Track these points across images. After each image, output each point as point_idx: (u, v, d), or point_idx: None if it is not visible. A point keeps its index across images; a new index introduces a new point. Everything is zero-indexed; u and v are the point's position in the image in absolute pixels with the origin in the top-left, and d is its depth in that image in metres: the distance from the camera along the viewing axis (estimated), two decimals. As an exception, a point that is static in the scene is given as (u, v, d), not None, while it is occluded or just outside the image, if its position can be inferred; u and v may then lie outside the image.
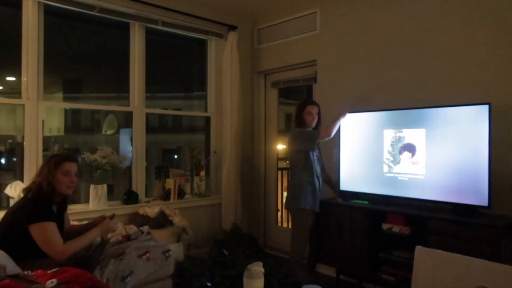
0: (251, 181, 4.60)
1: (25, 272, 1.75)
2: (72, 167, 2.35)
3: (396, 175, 3.08)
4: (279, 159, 4.72)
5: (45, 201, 2.25)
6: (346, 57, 3.68)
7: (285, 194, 4.88)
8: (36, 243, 2.14)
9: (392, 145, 3.10)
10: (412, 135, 2.98)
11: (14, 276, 1.68)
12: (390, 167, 3.11)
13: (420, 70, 3.16)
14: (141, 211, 3.51)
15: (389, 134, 3.12)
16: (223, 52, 4.23)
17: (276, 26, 4.33)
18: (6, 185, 2.98)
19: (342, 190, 3.40)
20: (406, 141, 3.01)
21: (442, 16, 3.05)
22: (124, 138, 3.89)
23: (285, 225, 4.69)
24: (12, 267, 1.83)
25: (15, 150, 3.30)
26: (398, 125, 3.06)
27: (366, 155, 3.27)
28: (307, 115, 3.25)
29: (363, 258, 3.04)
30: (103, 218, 2.55)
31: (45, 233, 2.14)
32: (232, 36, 4.21)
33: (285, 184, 4.86)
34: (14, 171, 3.24)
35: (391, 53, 3.35)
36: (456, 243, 2.47)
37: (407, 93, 3.23)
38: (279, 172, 4.71)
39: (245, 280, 1.62)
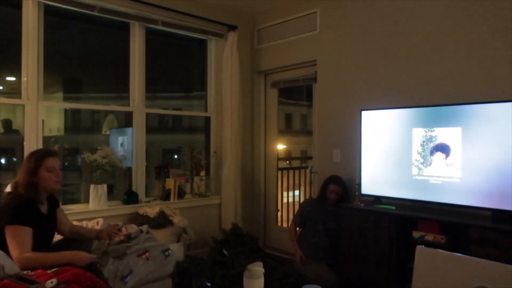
0: (251, 181, 4.60)
1: (25, 272, 1.75)
2: (55, 162, 2.26)
3: (427, 178, 2.86)
4: (279, 159, 4.72)
5: (28, 203, 2.14)
6: (346, 57, 3.67)
7: (285, 194, 4.89)
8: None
9: (422, 145, 2.89)
10: (446, 134, 2.77)
11: (14, 276, 1.68)
12: (420, 169, 2.90)
13: (422, 68, 3.14)
14: (141, 211, 3.51)
15: (418, 133, 2.91)
16: (223, 52, 4.23)
17: (276, 26, 4.33)
18: (6, 185, 2.98)
19: (363, 194, 3.24)
20: (439, 140, 2.80)
21: (453, 11, 3.04)
22: (115, 139, 3.90)
23: (285, 225, 4.68)
24: (10, 267, 1.82)
25: (15, 150, 3.30)
26: (429, 124, 2.85)
27: (392, 156, 3.07)
28: (329, 193, 3.39)
29: (390, 269, 2.84)
30: (113, 227, 2.50)
31: (16, 236, 2.02)
32: (232, 36, 4.21)
33: (285, 184, 4.86)
34: (14, 171, 3.24)
35: (392, 52, 3.34)
36: (503, 254, 2.27)
37: (411, 92, 3.22)
38: (279, 172, 4.71)
39: (245, 280, 1.62)
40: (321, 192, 3.47)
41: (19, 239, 2.02)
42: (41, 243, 2.13)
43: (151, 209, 3.48)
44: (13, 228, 2.04)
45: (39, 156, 2.23)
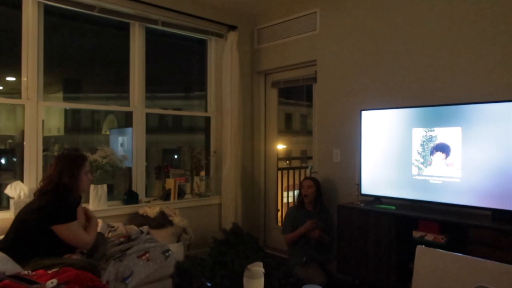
0: (251, 181, 4.60)
1: (26, 272, 1.75)
2: (89, 166, 2.51)
3: (427, 178, 2.87)
4: (279, 159, 4.72)
5: (71, 201, 2.30)
6: (346, 57, 3.67)
7: (285, 193, 4.89)
8: (54, 242, 2.20)
9: (422, 145, 2.90)
10: (446, 134, 2.77)
11: (15, 276, 1.68)
12: (420, 169, 2.91)
13: (422, 68, 3.14)
14: (141, 211, 3.51)
15: (418, 133, 2.92)
16: (223, 52, 4.23)
17: (276, 26, 4.33)
18: (6, 185, 2.98)
19: (363, 194, 3.25)
20: (439, 140, 2.81)
21: (454, 11, 3.04)
22: (115, 139, 3.90)
23: (285, 225, 4.68)
24: (12, 268, 1.82)
25: (15, 150, 3.30)
26: (429, 123, 2.86)
27: (392, 156, 3.08)
28: (304, 190, 3.47)
29: (390, 269, 2.85)
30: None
31: (73, 232, 2.25)
32: (232, 36, 4.21)
33: (285, 184, 4.86)
34: (14, 171, 3.24)
35: (392, 52, 3.34)
36: (503, 254, 2.26)
37: (411, 92, 3.22)
38: (279, 172, 4.71)
39: (245, 280, 1.62)
40: (299, 195, 3.56)
41: (78, 232, 2.27)
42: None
43: (151, 209, 3.48)
44: (66, 226, 2.23)
45: (82, 160, 2.44)
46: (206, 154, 4.34)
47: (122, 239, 2.66)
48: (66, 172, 2.34)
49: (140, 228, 2.90)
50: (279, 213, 4.67)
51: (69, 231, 2.23)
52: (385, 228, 2.90)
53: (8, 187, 2.95)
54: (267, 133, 4.64)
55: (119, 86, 3.89)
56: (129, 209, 3.56)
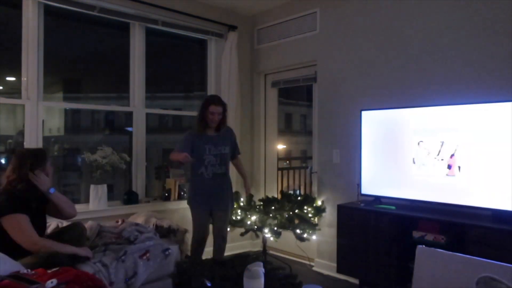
0: (251, 181, 4.59)
1: (25, 271, 1.74)
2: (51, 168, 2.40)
3: (427, 177, 2.87)
4: (279, 159, 4.72)
5: (20, 194, 2.20)
6: (346, 57, 3.67)
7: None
8: (6, 238, 2.09)
9: (422, 145, 2.92)
10: (446, 134, 2.78)
11: (14, 276, 1.68)
12: (420, 169, 2.91)
13: (422, 68, 3.14)
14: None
15: (418, 133, 2.93)
16: (223, 52, 4.23)
17: (276, 26, 4.33)
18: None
19: (363, 194, 3.25)
20: (439, 140, 2.81)
21: (449, 13, 3.05)
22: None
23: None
24: (9, 267, 1.81)
25: (15, 150, 3.30)
26: (429, 123, 2.87)
27: (392, 156, 3.08)
28: (210, 114, 3.10)
29: (391, 269, 2.85)
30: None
31: (18, 224, 2.10)
32: (232, 36, 4.21)
33: (285, 184, 4.86)
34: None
35: (392, 52, 3.33)
36: (503, 254, 2.25)
37: (412, 92, 3.22)
38: (279, 172, 4.71)
39: (245, 280, 1.62)
40: (201, 120, 3.14)
41: (24, 225, 2.11)
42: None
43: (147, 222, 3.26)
44: (12, 217, 2.10)
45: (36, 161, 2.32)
46: (206, 154, 4.32)
47: (114, 239, 2.66)
48: (17, 171, 2.27)
49: (137, 226, 2.89)
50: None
51: (13, 223, 2.09)
52: (385, 228, 2.90)
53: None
54: (267, 133, 4.64)
55: (119, 86, 3.89)
56: (129, 209, 3.55)
